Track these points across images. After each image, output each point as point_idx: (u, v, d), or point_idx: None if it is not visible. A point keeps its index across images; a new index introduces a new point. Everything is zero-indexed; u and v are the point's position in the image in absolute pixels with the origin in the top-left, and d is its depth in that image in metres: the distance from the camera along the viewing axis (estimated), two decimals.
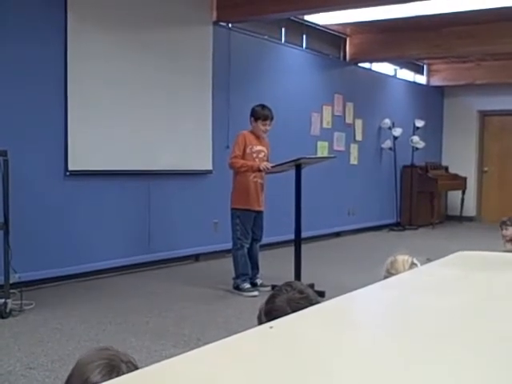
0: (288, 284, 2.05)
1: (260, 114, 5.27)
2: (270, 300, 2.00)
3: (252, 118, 5.31)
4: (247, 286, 5.21)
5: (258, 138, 5.34)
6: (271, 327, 0.99)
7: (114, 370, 1.32)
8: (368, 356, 0.88)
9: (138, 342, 3.77)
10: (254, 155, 5.29)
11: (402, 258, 2.43)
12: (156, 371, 0.83)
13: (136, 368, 1.36)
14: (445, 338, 0.94)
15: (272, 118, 5.31)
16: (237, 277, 5.26)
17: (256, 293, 5.12)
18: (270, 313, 1.94)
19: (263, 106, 5.33)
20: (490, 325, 1.01)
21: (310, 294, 2.00)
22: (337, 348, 0.92)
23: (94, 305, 4.67)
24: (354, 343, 0.95)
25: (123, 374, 1.25)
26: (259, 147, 5.33)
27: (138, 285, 5.45)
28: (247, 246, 5.29)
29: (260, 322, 1.89)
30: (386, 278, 2.08)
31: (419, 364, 0.84)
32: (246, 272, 5.27)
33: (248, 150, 5.25)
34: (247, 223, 5.27)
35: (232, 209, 5.31)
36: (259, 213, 5.35)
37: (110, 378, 1.24)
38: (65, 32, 5.27)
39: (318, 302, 1.90)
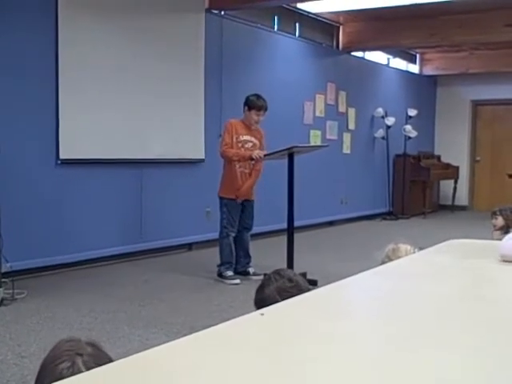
0: (277, 272, 2.03)
1: (255, 104, 5.23)
2: (260, 290, 1.99)
3: (246, 107, 5.27)
4: (230, 273, 5.24)
5: (247, 127, 5.31)
6: (262, 314, 0.99)
7: (74, 365, 1.32)
8: (358, 342, 0.88)
9: (130, 331, 3.77)
10: (240, 145, 5.26)
11: (405, 247, 2.43)
12: (148, 358, 0.83)
13: (96, 357, 1.34)
14: (435, 323, 0.94)
15: (266, 109, 5.28)
16: (221, 264, 5.29)
17: (238, 281, 5.16)
18: (260, 303, 1.93)
19: (258, 96, 5.29)
20: (479, 309, 1.02)
21: (300, 281, 1.99)
22: (328, 334, 0.92)
23: (87, 293, 4.67)
24: (344, 330, 0.95)
25: (79, 369, 1.26)
26: (247, 137, 5.30)
27: (130, 274, 5.45)
28: (233, 234, 5.30)
29: None
30: (384, 263, 2.09)
31: (408, 349, 0.84)
32: (230, 260, 5.30)
33: (234, 139, 5.23)
34: (234, 213, 5.28)
35: (219, 197, 5.33)
36: (249, 202, 5.36)
37: (72, 374, 1.24)
38: (55, 19, 5.22)
39: (308, 290, 1.90)
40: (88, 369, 1.26)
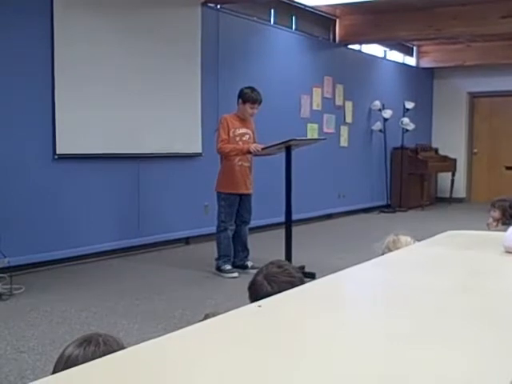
0: (271, 262, 2.13)
1: (249, 96, 5.21)
2: (253, 277, 2.10)
3: (240, 100, 5.25)
4: (228, 267, 5.23)
5: (241, 120, 5.29)
6: (259, 306, 0.99)
7: (91, 340, 1.39)
8: (357, 334, 0.88)
9: (128, 325, 3.77)
10: (237, 138, 5.25)
11: (405, 239, 2.44)
12: (147, 349, 0.83)
13: (115, 341, 1.39)
14: (435, 315, 0.94)
15: (260, 102, 5.27)
16: (219, 258, 5.29)
17: (236, 274, 5.16)
18: (250, 288, 2.06)
19: (252, 89, 5.27)
20: (480, 300, 1.01)
21: (291, 269, 2.07)
22: (326, 326, 0.92)
23: (85, 288, 4.66)
24: (343, 320, 0.95)
25: (98, 344, 1.34)
26: (243, 130, 5.29)
27: (128, 268, 5.45)
28: (231, 228, 5.29)
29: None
30: (384, 254, 2.11)
31: (407, 341, 0.84)
32: (228, 254, 5.29)
33: (231, 134, 5.22)
34: (232, 206, 5.27)
35: (217, 192, 5.32)
36: (247, 196, 5.35)
37: (84, 348, 1.34)
38: (51, 15, 5.20)
39: (300, 278, 1.96)
40: (106, 344, 1.30)
